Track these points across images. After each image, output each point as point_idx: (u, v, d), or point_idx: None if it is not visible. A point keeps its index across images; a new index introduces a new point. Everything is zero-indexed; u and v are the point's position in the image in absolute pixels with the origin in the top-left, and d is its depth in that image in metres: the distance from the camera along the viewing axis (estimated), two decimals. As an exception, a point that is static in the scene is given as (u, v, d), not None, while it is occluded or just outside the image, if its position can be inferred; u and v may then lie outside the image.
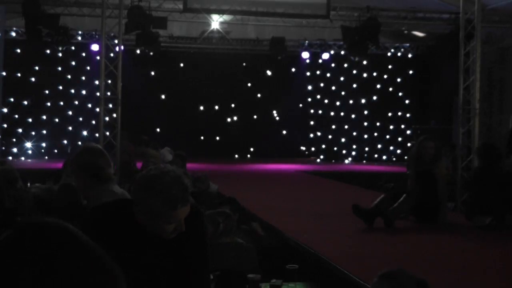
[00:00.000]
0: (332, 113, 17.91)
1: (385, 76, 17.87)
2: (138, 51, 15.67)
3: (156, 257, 2.37)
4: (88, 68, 16.35)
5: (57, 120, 16.52)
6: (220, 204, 5.55)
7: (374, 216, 6.15)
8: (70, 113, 16.57)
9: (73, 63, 16.53)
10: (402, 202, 6.25)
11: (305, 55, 17.04)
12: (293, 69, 17.70)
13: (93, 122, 15.84)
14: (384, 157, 17.89)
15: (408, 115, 18.02)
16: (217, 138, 17.36)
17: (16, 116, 16.08)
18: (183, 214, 2.30)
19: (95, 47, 15.12)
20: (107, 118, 10.33)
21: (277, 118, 17.75)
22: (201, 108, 17.42)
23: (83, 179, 3.16)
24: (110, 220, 2.37)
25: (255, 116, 17.41)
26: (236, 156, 17.59)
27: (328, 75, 17.76)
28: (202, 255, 2.46)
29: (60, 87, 16.47)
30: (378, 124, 17.91)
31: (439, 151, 6.84)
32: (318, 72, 17.76)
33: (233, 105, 17.33)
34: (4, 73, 14.09)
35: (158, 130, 16.58)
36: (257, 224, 5.69)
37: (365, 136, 17.93)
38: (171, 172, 2.31)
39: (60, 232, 0.90)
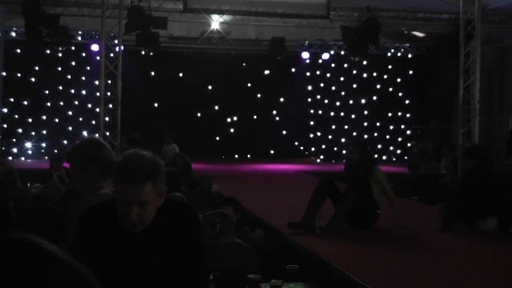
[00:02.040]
0: (332, 113, 17.91)
1: (385, 76, 17.87)
2: (138, 51, 15.67)
3: (151, 257, 2.37)
4: (88, 68, 16.35)
5: (57, 120, 16.52)
6: (220, 204, 5.54)
7: (310, 224, 5.90)
8: (70, 113, 16.57)
9: (73, 63, 16.53)
10: (337, 215, 5.90)
11: (305, 55, 17.04)
12: (293, 69, 17.70)
13: (93, 122, 15.84)
14: (384, 157, 17.88)
15: (408, 115, 18.02)
16: (217, 138, 17.37)
17: (16, 116, 16.08)
18: (137, 196, 2.20)
19: (95, 47, 15.12)
20: (107, 118, 10.33)
21: (277, 118, 17.75)
22: (201, 108, 17.41)
23: (93, 173, 2.98)
24: (103, 219, 2.36)
25: (255, 116, 17.41)
26: (236, 156, 17.59)
27: (328, 75, 17.76)
28: (199, 255, 2.45)
29: (60, 87, 16.47)
30: (378, 124, 17.91)
31: (368, 156, 6.38)
32: (318, 72, 17.76)
33: (233, 105, 17.32)
34: (4, 73, 14.09)
35: (157, 130, 16.57)
36: (260, 230, 5.67)
37: (365, 136, 17.92)
38: (140, 153, 2.27)
39: (34, 249, 0.84)
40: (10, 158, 15.44)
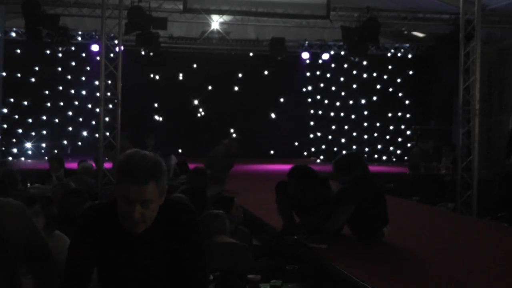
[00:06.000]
0: (332, 114, 17.91)
1: (385, 77, 17.87)
2: (138, 52, 15.66)
3: (151, 257, 2.37)
4: (88, 68, 16.35)
5: (57, 120, 16.52)
6: (218, 204, 5.52)
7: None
8: (70, 113, 16.57)
9: (73, 63, 16.52)
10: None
11: (305, 55, 17.03)
12: (293, 70, 17.69)
13: (93, 122, 15.83)
14: (384, 158, 17.88)
15: (408, 115, 18.02)
16: (217, 138, 17.32)
17: (16, 116, 16.07)
18: (141, 195, 2.23)
19: (95, 47, 15.11)
20: (107, 119, 10.32)
21: (277, 118, 17.73)
22: (201, 108, 17.40)
23: None
24: (103, 219, 2.36)
25: (254, 117, 17.38)
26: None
27: (328, 75, 17.76)
28: (199, 255, 2.45)
29: (60, 88, 16.46)
30: (378, 124, 17.91)
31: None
32: (318, 73, 17.75)
33: (233, 105, 17.29)
34: (4, 73, 14.09)
35: (157, 130, 16.57)
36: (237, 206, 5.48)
37: (365, 136, 17.93)
38: (142, 152, 2.30)
39: None
40: (10, 158, 15.43)
